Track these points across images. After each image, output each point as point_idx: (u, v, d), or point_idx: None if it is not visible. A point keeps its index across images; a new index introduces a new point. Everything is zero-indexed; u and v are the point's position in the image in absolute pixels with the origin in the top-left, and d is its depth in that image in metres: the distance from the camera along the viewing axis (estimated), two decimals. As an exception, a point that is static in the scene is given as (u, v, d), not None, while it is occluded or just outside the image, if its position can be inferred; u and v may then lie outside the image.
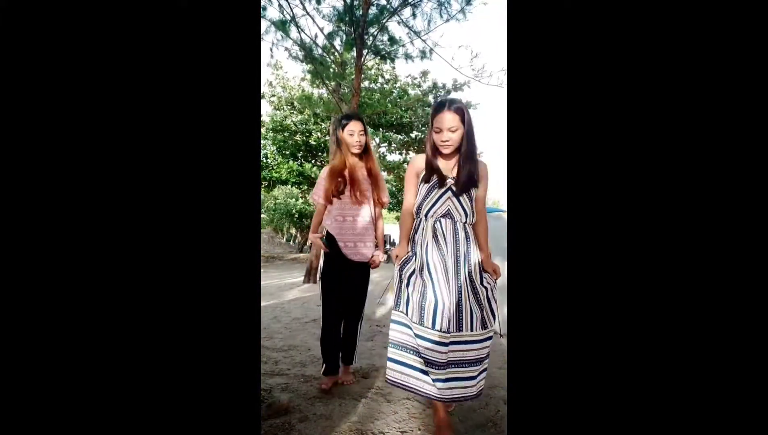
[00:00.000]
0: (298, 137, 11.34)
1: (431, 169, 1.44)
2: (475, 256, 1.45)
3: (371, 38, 5.85)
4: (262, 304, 4.15)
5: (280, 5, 5.38)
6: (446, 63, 6.29)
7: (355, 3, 5.54)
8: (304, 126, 11.33)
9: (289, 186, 11.93)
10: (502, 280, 1.50)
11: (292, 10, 5.44)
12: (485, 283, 1.44)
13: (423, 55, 6.00)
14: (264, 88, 11.18)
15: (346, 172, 1.80)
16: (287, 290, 5.41)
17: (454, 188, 1.44)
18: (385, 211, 2.06)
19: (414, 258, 1.47)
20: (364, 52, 5.81)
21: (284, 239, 17.98)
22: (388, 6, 5.63)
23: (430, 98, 9.47)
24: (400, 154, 11.71)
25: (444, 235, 1.44)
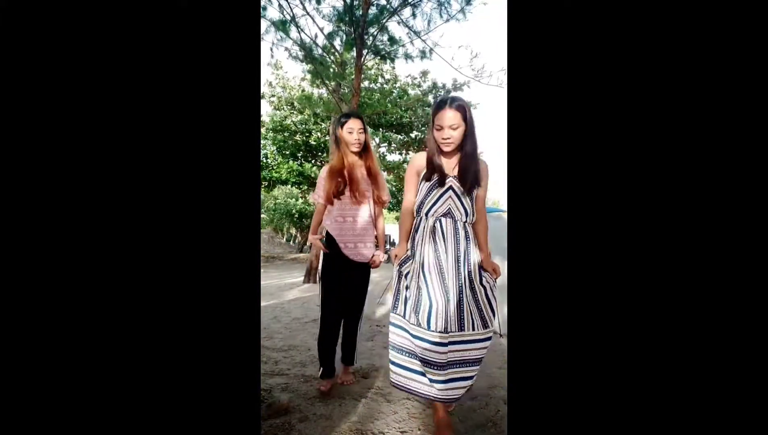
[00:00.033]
0: (298, 137, 11.34)
1: (432, 167, 1.43)
2: (475, 255, 1.45)
3: (371, 38, 5.85)
4: (262, 304, 4.15)
5: (280, 5, 5.38)
6: (446, 63, 6.29)
7: (355, 3, 5.54)
8: (304, 126, 11.33)
9: (289, 186, 11.93)
10: (502, 279, 1.50)
11: (292, 10, 5.44)
12: (485, 282, 1.44)
13: (423, 55, 6.00)
14: (264, 88, 11.18)
15: (346, 172, 1.79)
16: (287, 290, 5.41)
17: (455, 187, 1.43)
18: (385, 211, 2.05)
19: (413, 258, 1.46)
20: (364, 52, 5.81)
21: (284, 239, 17.98)
22: (388, 6, 5.63)
23: (430, 98, 9.48)
24: (400, 154, 11.71)
25: (444, 235, 1.43)
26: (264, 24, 5.34)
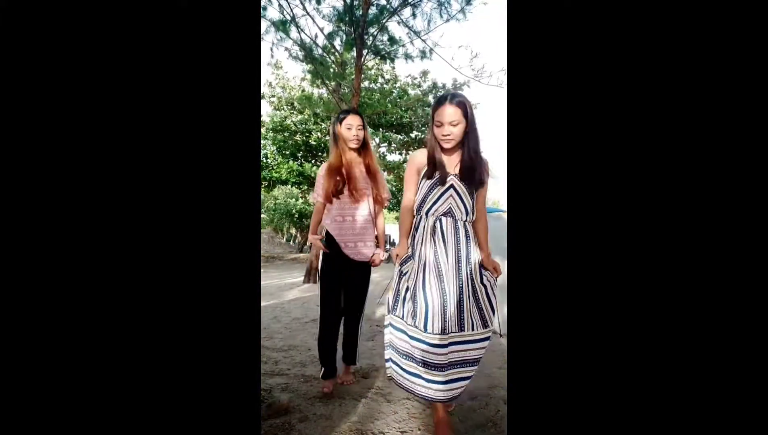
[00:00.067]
0: (298, 137, 11.35)
1: (434, 165, 1.41)
2: (476, 254, 1.44)
3: (371, 38, 5.85)
4: (262, 304, 4.15)
5: (280, 5, 5.38)
6: (446, 63, 6.30)
7: (355, 3, 5.54)
8: (304, 126, 11.34)
9: (289, 186, 11.93)
10: (502, 279, 1.49)
11: (292, 10, 5.45)
12: (485, 281, 1.43)
13: (423, 55, 6.00)
14: (264, 89, 11.19)
15: (344, 169, 1.76)
16: (287, 290, 5.41)
17: (456, 185, 1.41)
18: (385, 211, 2.04)
19: (413, 258, 1.45)
20: (364, 52, 5.81)
21: (284, 239, 17.98)
22: (388, 6, 5.63)
23: (430, 98, 9.49)
24: (400, 154, 11.71)
25: (444, 234, 1.42)
26: (264, 24, 5.35)
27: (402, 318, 1.41)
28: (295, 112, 11.43)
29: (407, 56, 6.04)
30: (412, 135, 11.30)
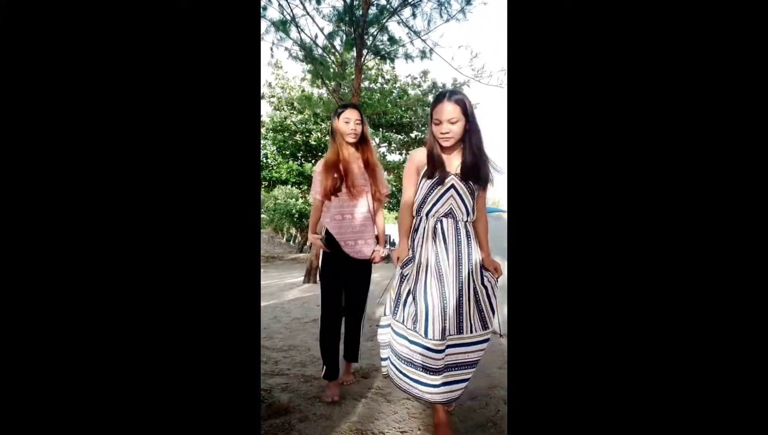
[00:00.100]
0: (298, 137, 11.36)
1: (433, 164, 1.38)
2: (476, 255, 1.42)
3: (371, 38, 5.86)
4: (262, 304, 4.15)
5: (280, 5, 5.38)
6: (446, 63, 6.30)
7: (355, 3, 5.54)
8: (304, 126, 11.34)
9: (289, 186, 11.94)
10: (502, 279, 1.48)
11: (292, 10, 5.45)
12: (486, 283, 1.41)
13: (423, 55, 6.01)
14: (264, 89, 11.20)
15: (341, 165, 1.72)
16: (287, 290, 5.41)
17: (457, 185, 1.39)
18: (385, 212, 2.02)
19: (413, 261, 1.42)
20: (364, 52, 5.82)
21: (284, 239, 17.99)
22: (388, 6, 5.64)
23: (430, 98, 9.50)
24: (400, 154, 11.72)
25: (445, 236, 1.39)
26: (264, 24, 5.35)
27: (403, 322, 1.39)
28: (295, 112, 11.44)
29: (407, 56, 6.05)
30: (412, 135, 11.31)
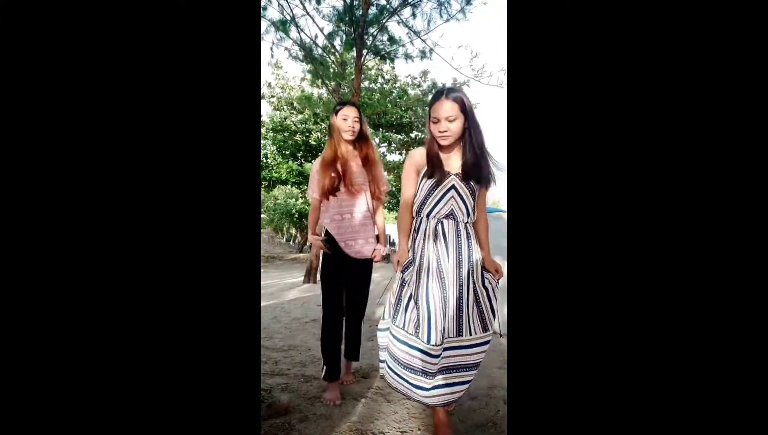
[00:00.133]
0: (298, 137, 11.36)
1: (433, 163, 1.35)
2: (477, 256, 1.40)
3: (371, 38, 5.86)
4: (262, 304, 4.16)
5: (280, 5, 5.39)
6: (446, 63, 6.30)
7: (355, 3, 5.54)
8: (303, 126, 11.35)
9: (289, 186, 11.95)
10: (502, 280, 1.48)
11: (292, 10, 5.45)
12: (486, 284, 1.39)
13: (423, 55, 6.01)
14: (264, 89, 11.20)
15: (339, 163, 1.70)
16: (287, 290, 5.41)
17: (457, 185, 1.37)
18: (385, 212, 2.02)
19: (414, 264, 1.39)
20: (364, 52, 5.82)
21: (284, 239, 17.99)
22: (388, 6, 5.64)
23: (430, 98, 9.49)
24: (400, 154, 11.72)
25: (446, 237, 1.37)
26: (264, 24, 5.36)
27: (403, 328, 1.36)
28: (295, 112, 11.44)
29: (407, 56, 6.05)
30: (412, 135, 11.31)
